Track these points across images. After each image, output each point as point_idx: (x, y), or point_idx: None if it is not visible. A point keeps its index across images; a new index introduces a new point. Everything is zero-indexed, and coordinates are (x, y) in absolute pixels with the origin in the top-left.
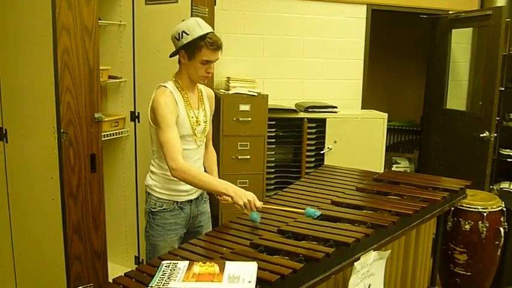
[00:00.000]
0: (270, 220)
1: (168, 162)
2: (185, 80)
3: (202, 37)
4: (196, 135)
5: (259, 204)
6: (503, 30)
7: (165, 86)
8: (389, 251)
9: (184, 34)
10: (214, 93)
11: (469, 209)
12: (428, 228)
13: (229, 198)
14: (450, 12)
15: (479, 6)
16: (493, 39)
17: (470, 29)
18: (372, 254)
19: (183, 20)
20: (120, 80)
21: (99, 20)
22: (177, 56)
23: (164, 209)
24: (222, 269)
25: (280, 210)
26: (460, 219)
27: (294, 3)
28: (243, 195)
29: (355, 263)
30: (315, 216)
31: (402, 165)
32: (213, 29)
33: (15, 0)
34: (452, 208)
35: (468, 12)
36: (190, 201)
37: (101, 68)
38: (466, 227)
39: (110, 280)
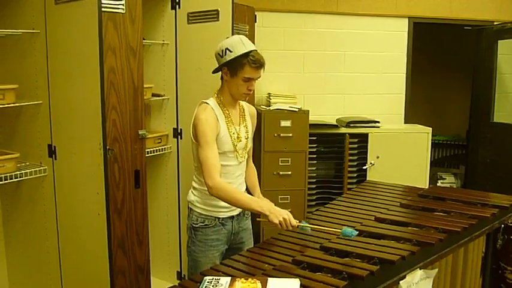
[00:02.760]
0: (312, 237)
1: (205, 180)
2: (227, 96)
3: (245, 55)
4: (237, 151)
5: (294, 222)
6: None
7: (206, 103)
8: (437, 269)
9: (227, 51)
10: (256, 110)
11: None
12: (477, 247)
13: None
14: (495, 23)
15: None
16: None
17: None
18: (418, 273)
19: (227, 37)
20: (163, 97)
21: (143, 39)
22: (220, 72)
23: (206, 224)
24: (264, 285)
25: (316, 229)
26: (511, 237)
27: (334, 18)
28: (278, 214)
29: (400, 282)
30: (352, 237)
31: (448, 180)
32: (255, 45)
33: (64, 22)
34: (503, 225)
35: None
36: (232, 217)
37: (144, 86)
38: None
39: None
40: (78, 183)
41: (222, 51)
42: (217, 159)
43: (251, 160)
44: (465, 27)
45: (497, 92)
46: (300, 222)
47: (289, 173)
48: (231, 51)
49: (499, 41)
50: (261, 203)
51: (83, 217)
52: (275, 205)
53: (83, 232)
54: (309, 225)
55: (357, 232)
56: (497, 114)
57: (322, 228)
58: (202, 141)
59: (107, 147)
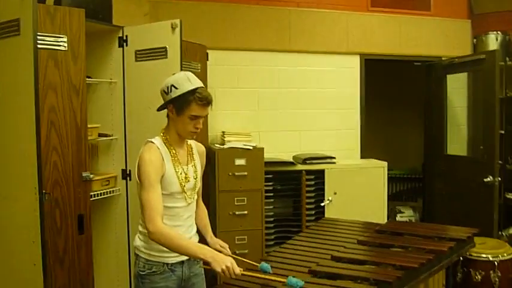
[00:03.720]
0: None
1: (146, 224)
2: (173, 135)
3: (192, 92)
4: (185, 192)
5: (237, 270)
6: (497, 73)
7: (152, 142)
8: None
9: (173, 88)
10: (209, 148)
11: (479, 259)
12: (437, 281)
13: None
14: (443, 59)
15: (473, 51)
16: (489, 83)
17: (465, 74)
18: None
19: (174, 74)
20: (111, 137)
21: (90, 78)
22: (166, 110)
23: (154, 271)
24: None
25: (261, 278)
26: (470, 270)
27: (287, 56)
28: (221, 261)
29: None
30: (298, 287)
31: (406, 214)
32: (206, 84)
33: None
34: (461, 258)
35: (461, 58)
36: (182, 262)
37: (91, 126)
38: (477, 277)
39: None
40: (13, 231)
41: (168, 87)
42: (159, 202)
43: (201, 200)
44: (415, 63)
45: (449, 124)
46: (243, 270)
47: (246, 212)
48: (176, 88)
49: (447, 75)
50: (204, 250)
51: (18, 268)
52: (231, 246)
53: (19, 284)
54: (252, 274)
55: (303, 282)
56: (451, 147)
57: (267, 277)
58: (145, 183)
59: (44, 191)
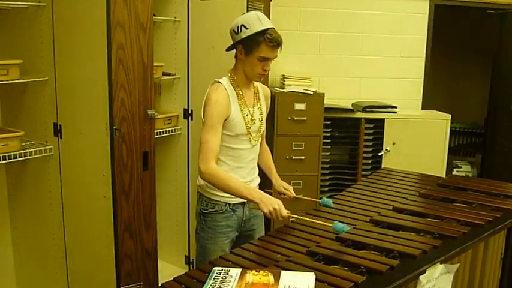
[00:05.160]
0: (327, 226)
1: (199, 163)
2: (241, 76)
3: (262, 32)
4: (251, 134)
5: (285, 213)
6: None
7: (219, 82)
8: (458, 264)
9: (243, 28)
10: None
11: None
12: (498, 241)
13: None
14: None
15: None
16: None
17: None
18: (439, 267)
19: (244, 13)
20: (174, 77)
21: (154, 16)
22: (234, 50)
23: (216, 210)
24: (277, 279)
25: (309, 221)
26: None
27: None
28: (268, 203)
29: (420, 277)
30: (343, 233)
31: (464, 169)
32: None
33: None
34: None
35: None
36: (243, 203)
37: (155, 64)
38: None
39: (160, 279)
40: (84, 165)
41: (238, 27)
42: (217, 145)
43: (264, 142)
44: (488, 11)
45: None
46: (290, 213)
47: (303, 157)
48: (246, 28)
49: None
50: (252, 191)
51: (88, 199)
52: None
53: (89, 215)
54: (300, 217)
55: (349, 228)
56: None
57: (314, 222)
58: (207, 124)
59: (114, 127)
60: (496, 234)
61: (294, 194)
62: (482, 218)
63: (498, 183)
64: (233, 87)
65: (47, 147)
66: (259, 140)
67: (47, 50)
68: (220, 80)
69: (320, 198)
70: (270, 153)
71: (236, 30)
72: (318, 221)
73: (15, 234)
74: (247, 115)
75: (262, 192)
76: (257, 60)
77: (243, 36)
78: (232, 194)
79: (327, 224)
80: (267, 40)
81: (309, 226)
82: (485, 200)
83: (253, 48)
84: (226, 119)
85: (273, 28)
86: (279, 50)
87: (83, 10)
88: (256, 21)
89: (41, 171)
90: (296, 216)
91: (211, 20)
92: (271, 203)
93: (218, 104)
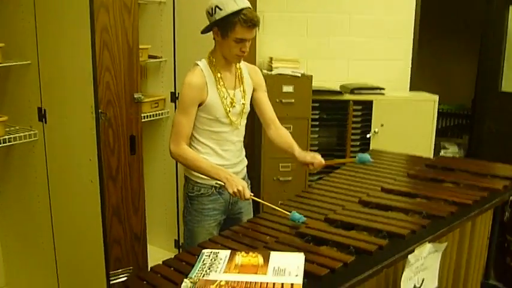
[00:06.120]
0: (316, 207)
1: (170, 143)
2: (219, 58)
3: (237, 13)
4: (230, 117)
5: (248, 195)
6: None
7: (197, 64)
8: (446, 243)
9: (217, 9)
10: None
11: None
12: (485, 220)
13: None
14: None
15: None
16: None
17: None
18: (427, 247)
19: None
20: (160, 59)
21: None
22: (211, 32)
23: (202, 193)
24: (266, 260)
25: (268, 206)
26: None
27: None
28: (233, 184)
29: (409, 256)
30: (299, 222)
31: (451, 150)
32: (255, 8)
33: None
34: (511, 198)
35: None
36: None
37: (140, 47)
38: None
39: (150, 264)
40: (70, 149)
41: (212, 9)
42: (189, 127)
43: (278, 123)
44: None
45: (506, 59)
46: (253, 196)
47: None
48: (220, 9)
49: (510, 6)
50: (220, 171)
51: (75, 184)
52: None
53: (76, 200)
54: (259, 200)
55: (305, 219)
56: (506, 84)
57: (274, 207)
58: (179, 105)
59: (100, 110)
60: (483, 214)
61: (323, 161)
62: (469, 198)
63: (485, 164)
64: (211, 70)
65: (32, 132)
66: (245, 123)
67: (29, 33)
68: (199, 62)
69: (355, 157)
70: (287, 132)
71: (210, 12)
72: (276, 207)
73: (1, 220)
74: (226, 98)
75: (229, 172)
76: (234, 42)
77: (217, 17)
78: (201, 174)
79: (285, 211)
80: (242, 21)
81: (297, 208)
82: (473, 180)
83: (228, 30)
84: (204, 103)
85: (249, 8)
86: (255, 30)
87: None
88: (230, 1)
89: (26, 157)
90: (258, 199)
91: (197, 1)
92: (236, 184)
93: (191, 87)
